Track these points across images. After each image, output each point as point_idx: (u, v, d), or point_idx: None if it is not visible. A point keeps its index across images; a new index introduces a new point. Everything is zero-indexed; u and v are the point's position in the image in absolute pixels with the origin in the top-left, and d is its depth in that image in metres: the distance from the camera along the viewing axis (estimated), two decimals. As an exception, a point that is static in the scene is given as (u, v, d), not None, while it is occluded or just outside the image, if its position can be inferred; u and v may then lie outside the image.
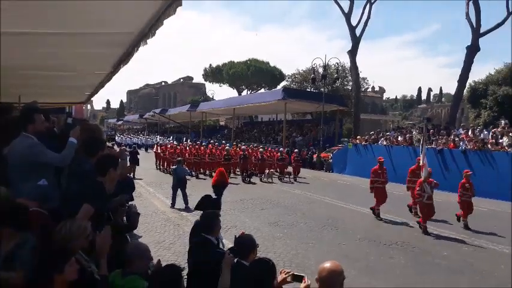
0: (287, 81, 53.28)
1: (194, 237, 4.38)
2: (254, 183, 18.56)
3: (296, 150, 23.20)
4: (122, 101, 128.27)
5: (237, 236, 3.74)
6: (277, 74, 60.34)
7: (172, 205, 12.32)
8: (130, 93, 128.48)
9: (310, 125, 38.74)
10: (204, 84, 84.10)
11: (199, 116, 51.19)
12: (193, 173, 20.27)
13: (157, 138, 46.57)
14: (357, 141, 24.62)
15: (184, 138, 36.49)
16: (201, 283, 3.45)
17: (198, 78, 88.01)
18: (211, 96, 66.26)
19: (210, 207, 4.55)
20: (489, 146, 16.48)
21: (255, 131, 44.78)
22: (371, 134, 24.83)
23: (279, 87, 51.39)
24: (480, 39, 31.73)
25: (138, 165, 19.81)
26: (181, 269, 2.90)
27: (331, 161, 26.61)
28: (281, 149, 22.64)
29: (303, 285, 2.86)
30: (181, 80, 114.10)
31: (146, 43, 4.11)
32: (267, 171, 19.70)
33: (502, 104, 28.87)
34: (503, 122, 19.43)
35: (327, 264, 2.59)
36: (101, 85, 8.36)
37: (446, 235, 9.72)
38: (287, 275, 3.02)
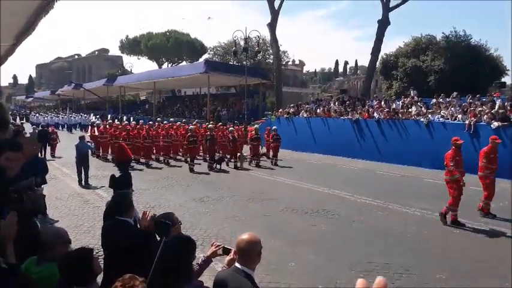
0: (209, 53, 52.45)
1: (108, 220, 4.19)
2: (227, 172, 15.30)
3: (275, 127, 18.42)
4: (30, 76, 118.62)
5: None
6: (198, 46, 58.91)
7: (80, 182, 12.35)
8: (40, 68, 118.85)
9: (234, 99, 38.77)
10: (121, 56, 79.52)
11: (117, 90, 48.49)
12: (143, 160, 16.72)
13: (92, 117, 37.58)
14: (279, 113, 25.17)
15: (125, 118, 33.57)
16: (120, 265, 3.31)
17: (115, 51, 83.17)
18: (129, 70, 62.98)
19: (120, 186, 4.34)
20: (400, 115, 17.75)
21: (178, 105, 43.69)
22: (291, 107, 25.50)
23: (201, 60, 50.38)
24: (390, 14, 33.71)
25: (47, 146, 18.55)
26: (91, 250, 2.75)
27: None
28: (256, 126, 18.66)
29: (228, 257, 2.91)
30: (96, 52, 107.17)
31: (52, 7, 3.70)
32: (239, 154, 16.39)
33: (410, 75, 31.03)
34: (412, 92, 20.99)
35: (244, 236, 2.66)
36: (4, 58, 7.50)
37: (364, 201, 10.41)
38: (217, 248, 3.06)
